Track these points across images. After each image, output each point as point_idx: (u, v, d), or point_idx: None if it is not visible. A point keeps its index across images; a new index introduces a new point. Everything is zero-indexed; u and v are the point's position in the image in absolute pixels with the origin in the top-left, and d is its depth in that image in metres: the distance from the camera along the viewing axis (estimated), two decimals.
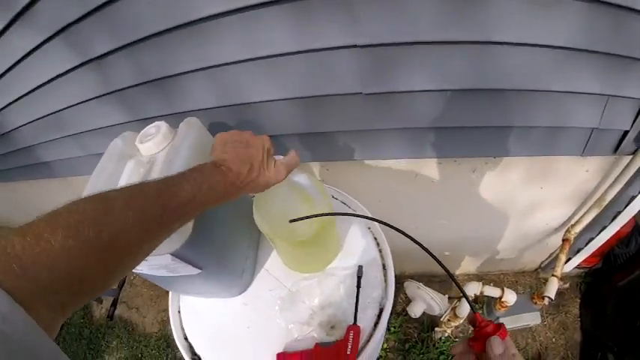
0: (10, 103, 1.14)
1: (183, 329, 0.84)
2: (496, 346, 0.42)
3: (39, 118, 1.14)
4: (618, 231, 1.17)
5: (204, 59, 0.76)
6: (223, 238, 0.68)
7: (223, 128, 0.90)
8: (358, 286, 0.78)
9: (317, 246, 0.74)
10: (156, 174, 0.60)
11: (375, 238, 0.87)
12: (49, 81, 0.97)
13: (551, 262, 1.58)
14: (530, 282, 1.76)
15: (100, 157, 1.15)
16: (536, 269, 1.74)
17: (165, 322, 2.01)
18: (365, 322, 0.74)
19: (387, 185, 1.11)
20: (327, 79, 0.76)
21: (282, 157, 0.57)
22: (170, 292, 0.87)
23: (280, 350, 0.74)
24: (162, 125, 0.65)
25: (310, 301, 0.78)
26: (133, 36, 0.75)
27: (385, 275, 0.81)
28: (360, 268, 0.79)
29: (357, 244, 0.85)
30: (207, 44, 0.74)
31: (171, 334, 2.02)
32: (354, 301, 0.76)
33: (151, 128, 0.66)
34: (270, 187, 0.54)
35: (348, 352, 0.69)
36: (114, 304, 1.81)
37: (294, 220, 0.59)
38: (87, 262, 0.32)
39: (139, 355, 1.93)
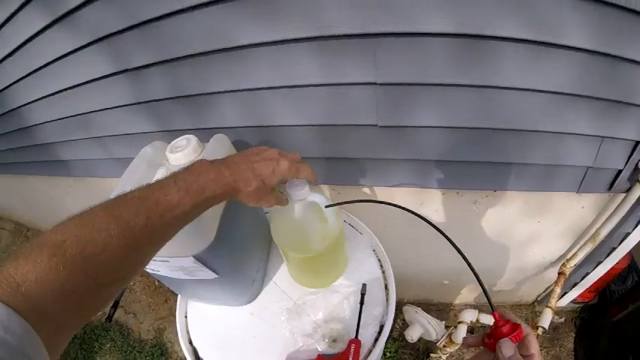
0: (38, 99, 1.19)
1: (188, 333, 0.87)
2: (505, 348, 0.43)
3: (65, 117, 1.19)
4: (614, 267, 1.18)
5: (237, 82, 0.83)
6: (242, 247, 0.73)
7: (246, 146, 0.96)
8: (361, 303, 0.81)
9: (326, 262, 0.78)
10: None
11: (379, 260, 0.90)
12: (81, 84, 1.02)
13: (547, 296, 1.58)
14: (526, 315, 1.76)
15: (122, 161, 1.24)
16: (532, 302, 1.74)
17: (162, 330, 2.01)
18: (365, 338, 0.77)
19: (393, 211, 1.14)
20: (346, 111, 0.82)
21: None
22: (179, 296, 0.90)
23: (284, 359, 0.76)
24: (192, 139, 0.70)
25: (315, 315, 0.81)
26: (173, 53, 0.81)
27: (387, 295, 0.84)
28: (364, 286, 0.83)
29: (361, 264, 0.89)
30: (242, 69, 0.80)
31: (167, 342, 2.03)
32: (357, 316, 0.79)
33: (181, 140, 0.71)
34: (257, 206, 0.53)
35: None
36: (114, 306, 1.82)
37: (329, 206, 0.63)
38: (73, 277, 0.33)
39: None
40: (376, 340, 0.78)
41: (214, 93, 0.86)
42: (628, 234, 1.02)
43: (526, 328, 0.46)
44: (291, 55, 0.75)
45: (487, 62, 0.70)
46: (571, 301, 1.43)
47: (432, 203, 1.09)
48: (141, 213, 0.38)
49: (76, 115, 1.15)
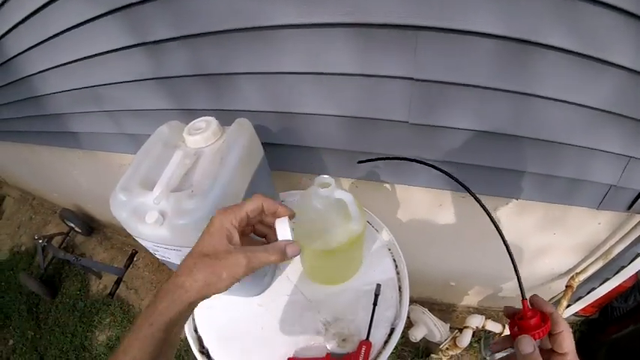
0: (51, 68, 1.16)
1: (194, 320, 0.85)
2: (523, 345, 0.40)
3: (78, 89, 1.16)
4: (619, 285, 1.18)
5: (263, 64, 0.78)
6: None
7: (269, 132, 0.93)
8: (375, 304, 0.78)
9: (343, 259, 0.75)
10: (202, 168, 0.61)
11: (395, 260, 0.87)
12: (98, 54, 0.98)
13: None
14: None
15: (133, 137, 1.20)
16: None
17: None
18: (376, 339, 0.75)
19: (410, 211, 1.13)
20: (378, 104, 0.78)
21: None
22: None
23: (291, 355, 0.74)
24: (212, 121, 0.67)
25: (326, 312, 0.79)
26: (197, 29, 0.77)
27: (400, 297, 0.82)
28: (378, 286, 0.80)
29: (377, 263, 0.86)
30: (269, 51, 0.76)
31: None
32: (369, 317, 0.77)
33: (200, 122, 0.68)
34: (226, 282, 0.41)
35: None
36: (117, 283, 1.83)
37: (362, 162, 0.60)
38: None
39: None
40: (386, 342, 0.76)
41: (238, 74, 0.82)
42: (639, 254, 1.02)
43: (561, 324, 0.42)
44: (325, 41, 0.71)
45: (530, 69, 0.68)
46: (573, 314, 1.41)
47: (451, 205, 1.06)
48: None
49: (90, 87, 1.12)
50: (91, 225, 2.52)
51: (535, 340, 0.41)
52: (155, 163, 0.64)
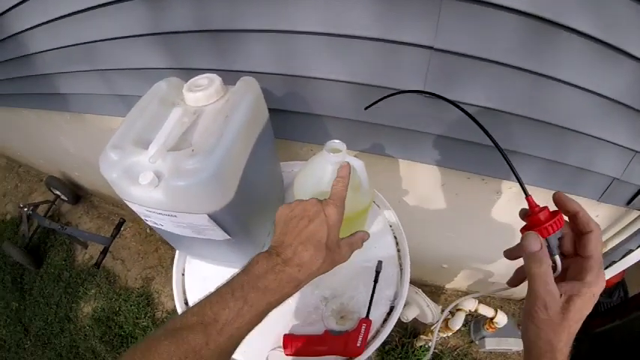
0: (40, 25, 1.08)
1: (185, 293, 0.81)
2: (528, 241, 0.37)
3: (68, 46, 1.09)
4: (608, 280, 1.20)
5: (274, 22, 0.73)
6: (258, 207, 0.66)
7: (273, 97, 0.88)
8: (375, 281, 0.76)
9: (346, 231, 0.72)
10: (202, 127, 0.57)
11: (395, 237, 0.85)
12: (91, 7, 0.91)
13: None
14: (514, 310, 1.79)
15: (126, 99, 1.14)
16: (522, 299, 1.77)
17: (150, 279, 1.99)
18: (375, 318, 0.73)
19: (412, 187, 1.10)
20: (393, 73, 0.74)
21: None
22: (177, 252, 0.84)
23: (287, 332, 0.72)
24: (215, 78, 0.62)
25: (325, 288, 0.76)
26: None
27: (401, 275, 0.80)
28: (379, 263, 0.78)
29: (377, 239, 0.84)
30: (282, 7, 0.71)
31: (154, 292, 2.01)
32: (369, 294, 0.75)
33: (202, 79, 0.63)
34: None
35: (358, 344, 0.68)
36: (104, 253, 1.78)
37: (369, 107, 0.59)
38: None
39: (117, 309, 1.91)
40: (385, 321, 0.75)
41: (245, 31, 0.77)
42: (631, 251, 1.04)
43: (589, 224, 0.37)
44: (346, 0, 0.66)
45: (551, 51, 0.66)
46: None
47: (455, 186, 1.04)
48: (199, 332, 0.37)
49: (81, 44, 1.05)
50: (77, 193, 2.45)
51: (544, 237, 0.37)
52: (151, 120, 0.59)
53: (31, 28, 1.11)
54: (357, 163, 0.58)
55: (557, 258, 0.38)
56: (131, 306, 1.90)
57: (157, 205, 0.53)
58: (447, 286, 1.82)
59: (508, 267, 1.40)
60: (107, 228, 2.26)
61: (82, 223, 2.40)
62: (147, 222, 0.61)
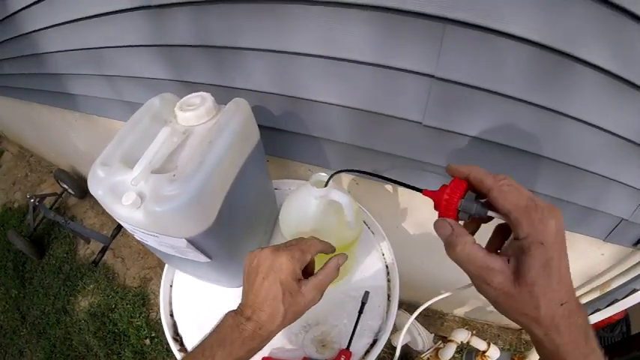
0: (52, 26, 1.10)
1: (171, 304, 0.81)
2: (437, 229, 0.35)
3: (76, 49, 1.11)
4: (609, 317, 1.16)
5: (273, 41, 0.72)
6: (243, 230, 0.65)
7: (270, 115, 0.87)
8: (360, 312, 0.74)
9: None
10: (190, 149, 0.56)
11: (387, 267, 0.83)
12: (96, 15, 0.93)
13: None
14: (511, 339, 1.74)
15: (131, 105, 1.15)
16: (520, 329, 1.72)
17: (147, 280, 1.99)
18: (357, 349, 0.71)
19: (412, 213, 1.08)
20: (392, 100, 0.72)
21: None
22: (166, 264, 0.83)
23: (266, 354, 0.71)
24: (207, 98, 0.61)
25: (307, 314, 0.74)
26: None
27: (388, 307, 0.78)
28: (366, 294, 0.76)
29: (368, 268, 0.82)
30: (282, 27, 0.70)
31: (150, 293, 2.01)
32: (352, 325, 0.73)
33: (195, 97, 0.62)
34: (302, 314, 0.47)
35: None
36: (102, 252, 1.80)
37: (339, 172, 0.52)
38: None
39: (113, 306, 1.92)
40: (367, 352, 0.73)
41: (245, 49, 0.76)
42: (635, 290, 1.00)
43: (486, 180, 0.33)
44: (343, 22, 0.64)
45: (563, 85, 0.62)
46: None
47: None
48: None
49: (88, 49, 1.06)
50: (84, 188, 2.48)
51: (452, 216, 0.35)
52: (141, 138, 0.58)
53: (42, 28, 1.13)
54: (343, 199, 0.56)
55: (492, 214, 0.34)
56: (127, 304, 1.90)
57: (139, 225, 0.53)
58: (445, 311, 1.78)
59: None
60: (110, 225, 2.28)
61: (86, 217, 2.43)
62: (134, 236, 0.61)
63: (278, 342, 0.71)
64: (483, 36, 0.58)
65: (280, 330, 0.45)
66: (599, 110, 0.65)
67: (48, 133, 2.13)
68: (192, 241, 0.53)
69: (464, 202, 0.34)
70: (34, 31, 1.18)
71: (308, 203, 0.55)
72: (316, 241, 0.49)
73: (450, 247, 0.35)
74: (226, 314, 0.45)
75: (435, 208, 0.36)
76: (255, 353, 0.44)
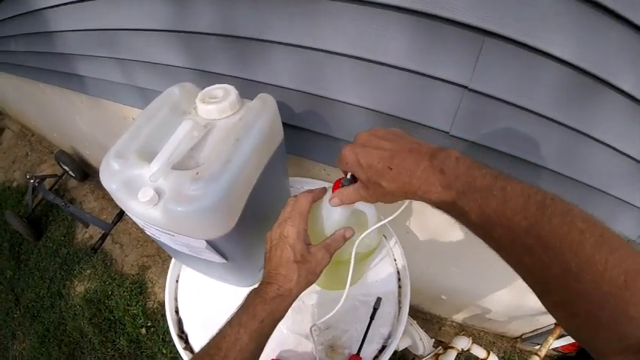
0: (64, 4, 1.07)
1: (176, 300, 0.79)
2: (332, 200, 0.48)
3: (91, 30, 1.07)
4: None
5: (302, 37, 0.70)
6: (259, 233, 0.63)
7: (291, 113, 0.85)
8: (372, 318, 0.73)
9: (349, 269, 0.69)
10: (212, 145, 0.54)
11: (399, 272, 0.82)
12: None
13: (533, 337, 1.58)
14: (506, 347, 1.74)
15: (142, 91, 1.12)
16: (516, 338, 1.72)
17: (146, 268, 1.97)
18: (366, 355, 0.70)
19: (422, 220, 1.07)
20: (422, 107, 0.71)
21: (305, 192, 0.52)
22: (173, 259, 0.81)
23: (275, 356, 0.69)
24: (231, 91, 0.59)
25: (318, 317, 0.73)
26: None
27: (399, 313, 0.76)
28: (378, 300, 0.75)
29: (379, 272, 0.81)
30: (312, 22, 0.67)
31: (148, 281, 1.99)
32: (363, 330, 0.72)
33: (217, 89, 0.60)
34: (319, 275, 0.50)
35: None
36: (102, 238, 1.77)
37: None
38: None
39: (109, 293, 1.90)
40: (375, 357, 0.71)
41: (272, 42, 0.73)
42: None
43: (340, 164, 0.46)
44: (379, 23, 0.62)
45: (592, 108, 0.63)
46: (552, 348, 1.40)
47: None
48: None
49: (103, 30, 1.03)
50: (86, 171, 2.45)
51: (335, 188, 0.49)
52: (159, 129, 0.56)
53: (55, 5, 1.10)
54: (369, 210, 0.54)
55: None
56: (124, 292, 1.88)
57: (155, 223, 0.50)
58: (444, 316, 1.78)
59: (507, 306, 1.37)
60: (110, 210, 2.25)
61: (86, 201, 2.40)
62: (145, 231, 0.58)
63: (288, 345, 0.70)
64: (521, 52, 0.58)
65: (299, 290, 0.47)
66: (623, 134, 0.66)
67: (52, 113, 2.09)
68: (212, 243, 0.51)
69: (344, 182, 0.48)
70: (46, 8, 1.14)
71: (333, 210, 0.53)
72: (304, 195, 0.51)
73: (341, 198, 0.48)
74: (250, 291, 0.48)
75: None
76: (277, 317, 0.46)
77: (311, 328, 0.71)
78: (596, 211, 0.77)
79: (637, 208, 0.78)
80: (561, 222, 0.30)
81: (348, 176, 0.48)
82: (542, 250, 0.30)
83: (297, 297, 0.48)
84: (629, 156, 0.68)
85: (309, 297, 0.75)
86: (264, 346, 0.46)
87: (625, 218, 0.81)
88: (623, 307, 0.26)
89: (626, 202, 0.77)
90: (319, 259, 0.48)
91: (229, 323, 0.44)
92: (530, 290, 0.33)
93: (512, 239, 0.32)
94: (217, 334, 0.44)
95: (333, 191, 0.50)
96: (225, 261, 0.57)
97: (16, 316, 1.98)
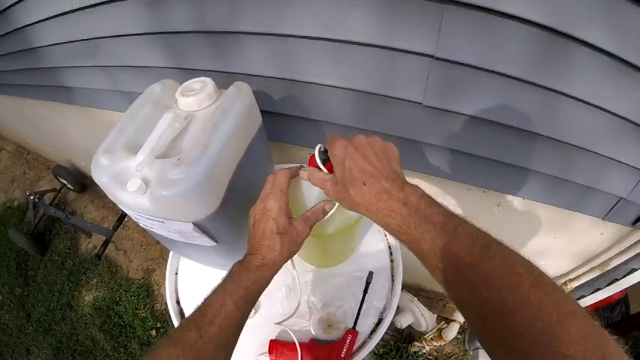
0: (43, 20, 1.09)
1: (177, 292, 0.82)
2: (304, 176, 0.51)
3: (71, 42, 1.09)
4: (609, 297, 1.18)
5: (272, 25, 0.72)
6: (246, 217, 0.65)
7: (270, 100, 0.87)
8: (365, 292, 0.76)
9: (338, 243, 0.71)
10: (193, 134, 0.57)
11: (390, 247, 0.84)
12: (93, 5, 0.91)
13: None
14: None
15: (128, 95, 1.15)
16: None
17: (151, 271, 2.01)
18: (363, 328, 0.73)
19: None
20: (393, 81, 0.72)
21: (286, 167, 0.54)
22: (171, 252, 0.84)
23: (273, 337, 0.72)
24: (208, 82, 0.61)
25: (313, 296, 0.76)
26: None
27: (392, 286, 0.79)
28: (370, 274, 0.77)
29: (371, 249, 0.83)
30: (280, 10, 0.69)
31: (154, 284, 2.02)
32: (357, 305, 0.74)
33: (195, 83, 0.62)
34: (300, 246, 0.52)
35: (342, 355, 0.68)
36: (105, 245, 1.80)
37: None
38: None
39: (117, 299, 1.93)
40: (372, 332, 0.74)
41: (244, 33, 0.75)
42: (634, 270, 1.02)
43: (329, 139, 0.49)
44: (343, 4, 0.64)
45: (563, 65, 0.63)
46: None
47: (455, 196, 1.02)
48: (192, 329, 0.42)
49: (83, 40, 1.05)
50: (83, 182, 2.48)
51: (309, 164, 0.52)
52: (143, 124, 0.59)
53: (37, 22, 1.11)
54: None
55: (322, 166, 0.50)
56: (131, 297, 1.92)
57: (145, 211, 0.53)
58: (445, 293, 1.80)
59: None
60: (111, 218, 2.28)
61: (87, 212, 2.43)
62: (139, 224, 0.61)
63: (285, 323, 0.73)
64: (482, 16, 0.59)
65: (282, 260, 0.49)
66: (598, 90, 0.66)
67: (45, 128, 2.12)
68: (198, 225, 0.53)
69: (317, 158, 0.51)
70: (28, 25, 1.16)
71: (311, 188, 0.55)
72: (281, 171, 0.53)
73: (312, 178, 0.50)
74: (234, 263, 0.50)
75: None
76: (262, 285, 0.48)
77: (307, 304, 0.74)
78: (581, 171, 0.79)
79: (624, 164, 0.78)
80: (502, 263, 0.34)
81: (322, 148, 0.51)
82: (483, 285, 0.33)
83: (280, 267, 0.49)
84: (610, 112, 0.68)
85: (302, 275, 0.78)
86: (248, 314, 0.47)
87: (611, 176, 0.81)
88: (555, 344, 0.28)
89: (612, 159, 0.77)
90: (300, 230, 0.50)
91: (214, 292, 0.45)
92: (531, 257, 0.36)
93: (457, 273, 0.36)
94: (203, 302, 0.45)
95: (308, 165, 0.52)
96: (215, 244, 0.59)
97: (28, 331, 2.02)
